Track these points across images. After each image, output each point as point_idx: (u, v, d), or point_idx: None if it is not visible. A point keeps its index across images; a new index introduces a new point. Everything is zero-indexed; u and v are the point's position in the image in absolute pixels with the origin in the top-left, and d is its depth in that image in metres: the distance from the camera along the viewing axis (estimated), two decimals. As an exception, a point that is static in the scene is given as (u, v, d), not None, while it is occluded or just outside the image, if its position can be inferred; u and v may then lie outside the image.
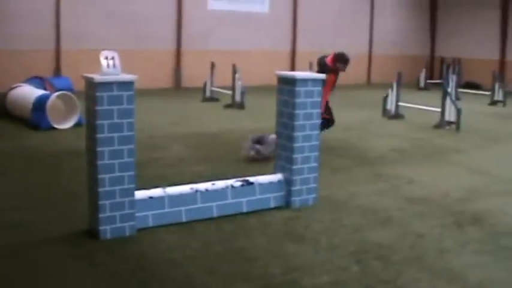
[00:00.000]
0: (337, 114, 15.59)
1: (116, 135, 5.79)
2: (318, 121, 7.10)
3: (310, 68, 20.87)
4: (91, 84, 5.78)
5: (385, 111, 15.98)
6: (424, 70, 26.89)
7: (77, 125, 12.86)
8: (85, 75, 5.88)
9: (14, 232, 6.15)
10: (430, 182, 8.79)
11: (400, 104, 15.74)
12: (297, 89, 6.83)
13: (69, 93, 13.38)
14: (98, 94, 5.68)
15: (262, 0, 25.40)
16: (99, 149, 5.74)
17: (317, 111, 7.03)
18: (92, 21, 21.65)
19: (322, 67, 11.19)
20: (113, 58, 5.82)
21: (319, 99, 7.02)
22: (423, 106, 15.89)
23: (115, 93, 5.73)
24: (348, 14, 28.02)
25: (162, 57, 23.23)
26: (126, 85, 5.81)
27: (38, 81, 15.20)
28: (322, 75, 7.33)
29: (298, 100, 6.84)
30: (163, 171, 8.99)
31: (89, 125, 5.94)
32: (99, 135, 5.72)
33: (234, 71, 17.30)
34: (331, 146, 11.05)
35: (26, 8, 20.42)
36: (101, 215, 5.87)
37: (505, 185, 8.79)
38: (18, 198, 7.42)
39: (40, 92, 13.62)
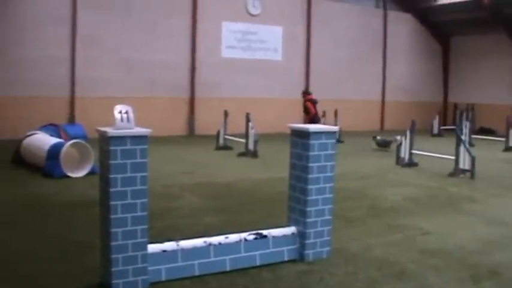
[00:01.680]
0: (350, 162, 15.64)
1: (129, 189, 5.77)
2: (332, 173, 7.06)
3: (324, 116, 21.07)
4: (105, 138, 5.79)
5: (398, 160, 15.92)
6: (437, 116, 26.92)
7: (91, 173, 12.90)
8: (99, 128, 5.90)
9: (25, 284, 6.10)
10: (445, 233, 8.68)
11: (414, 151, 15.68)
12: (311, 142, 6.81)
13: (83, 141, 13.46)
14: (111, 148, 5.69)
15: (275, 48, 25.63)
16: (112, 202, 5.73)
17: (331, 163, 7.00)
18: (107, 69, 21.91)
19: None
20: (126, 112, 5.85)
21: (333, 151, 7.00)
22: (437, 154, 15.82)
23: (128, 147, 5.74)
24: (360, 61, 28.22)
25: (176, 105, 23.40)
26: (140, 139, 5.82)
27: (52, 128, 15.34)
28: (336, 128, 7.35)
29: (312, 153, 6.82)
30: (176, 222, 8.95)
31: (103, 178, 5.94)
32: (112, 189, 5.71)
33: (248, 119, 17.36)
34: (346, 196, 10.99)
35: (41, 55, 20.72)
36: (113, 269, 5.83)
37: (521, 237, 8.67)
38: (30, 249, 7.39)
39: (54, 140, 13.72)
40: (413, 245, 7.99)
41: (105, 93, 21.53)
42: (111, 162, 5.70)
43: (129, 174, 5.77)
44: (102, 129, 5.83)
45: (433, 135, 25.73)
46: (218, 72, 24.23)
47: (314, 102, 18.87)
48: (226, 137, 18.89)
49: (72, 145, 13.26)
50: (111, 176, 5.71)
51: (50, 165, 12.77)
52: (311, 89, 26.32)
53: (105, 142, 5.81)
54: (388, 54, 29.26)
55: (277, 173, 13.90)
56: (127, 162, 5.75)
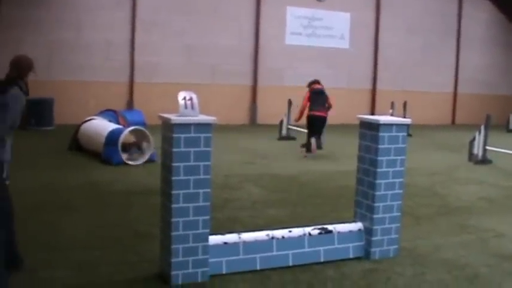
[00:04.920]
0: (420, 157, 15.49)
1: (191, 178, 5.87)
2: (402, 168, 7.03)
3: (392, 108, 20.88)
4: (168, 125, 5.89)
5: (471, 156, 15.66)
6: (515, 111, 26.27)
7: (149, 161, 13.13)
8: (162, 115, 6.00)
9: (81, 272, 6.26)
10: (522, 236, 8.53)
11: (488, 148, 15.41)
12: (381, 134, 6.78)
13: (142, 128, 13.68)
14: (174, 135, 5.78)
15: (342, 35, 25.47)
16: (174, 191, 5.83)
17: (401, 158, 6.97)
18: (167, 54, 22.17)
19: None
20: (191, 99, 5.93)
21: (404, 145, 6.96)
22: (514, 151, 15.53)
23: (192, 135, 5.83)
24: (432, 49, 27.75)
25: (238, 93, 23.53)
26: (204, 127, 5.90)
27: (111, 114, 15.62)
28: (408, 120, 7.32)
29: (381, 146, 6.80)
30: (237, 214, 9.05)
31: (164, 166, 6.04)
32: (174, 178, 5.82)
33: (312, 109, 17.33)
34: (414, 193, 10.90)
35: (100, 40, 21.13)
36: (173, 260, 5.93)
37: None
38: (87, 236, 7.59)
39: (113, 126, 13.98)
40: (486, 247, 7.88)
41: (164, 79, 21.83)
42: (174, 150, 5.80)
43: (192, 163, 5.86)
44: (166, 116, 5.93)
45: (510, 131, 25.22)
46: (282, 60, 24.25)
47: (314, 92, 15.82)
48: (290, 127, 18.94)
49: (131, 132, 13.51)
50: (174, 164, 5.82)
51: (108, 152, 13.05)
52: (378, 79, 26.18)
53: (168, 129, 5.91)
54: (462, 43, 28.69)
55: (343, 165, 13.89)
56: (190, 151, 5.84)
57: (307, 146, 15.52)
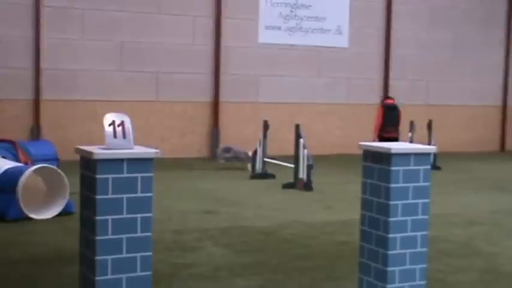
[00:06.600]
0: (453, 199, 15.54)
1: (124, 236, 5.86)
2: (426, 216, 7.07)
3: (411, 130, 20.99)
4: (89, 162, 5.87)
5: (528, 197, 15.78)
6: None
7: (65, 213, 13.02)
8: (80, 147, 5.99)
9: None
10: None
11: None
12: (393, 168, 6.84)
13: (52, 166, 13.56)
14: (98, 176, 5.77)
15: (339, 28, 25.51)
16: (98, 257, 5.80)
17: (424, 201, 7.02)
18: (89, 59, 21.99)
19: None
20: (121, 124, 5.94)
21: (427, 183, 7.02)
22: None
23: (125, 175, 5.82)
24: (469, 46, 27.82)
25: (193, 113, 23.43)
26: (142, 163, 5.90)
27: (5, 146, 15.41)
28: (431, 148, 7.38)
29: (394, 185, 6.85)
30: (192, 286, 9.02)
31: (85, 221, 6.02)
32: (99, 238, 5.80)
33: (298, 135, 17.35)
34: (445, 251, 10.94)
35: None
36: None
37: None
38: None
39: (8, 164, 13.80)
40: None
41: (86, 95, 21.73)
42: (99, 197, 5.78)
43: (125, 216, 5.85)
44: (86, 148, 5.92)
45: None
46: (254, 66, 24.22)
47: (387, 108, 19.97)
48: (267, 159, 18.93)
49: (37, 172, 13.38)
50: (99, 218, 5.79)
51: (1, 203, 12.88)
52: (391, 90, 26.31)
53: (89, 168, 5.89)
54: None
55: (341, 214, 13.92)
56: (123, 197, 5.83)
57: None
